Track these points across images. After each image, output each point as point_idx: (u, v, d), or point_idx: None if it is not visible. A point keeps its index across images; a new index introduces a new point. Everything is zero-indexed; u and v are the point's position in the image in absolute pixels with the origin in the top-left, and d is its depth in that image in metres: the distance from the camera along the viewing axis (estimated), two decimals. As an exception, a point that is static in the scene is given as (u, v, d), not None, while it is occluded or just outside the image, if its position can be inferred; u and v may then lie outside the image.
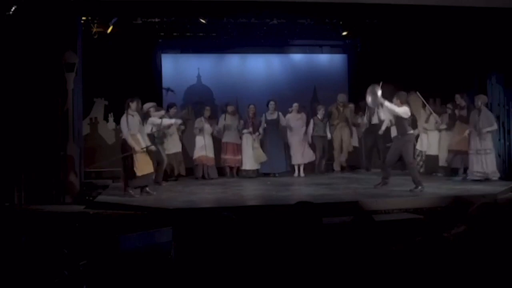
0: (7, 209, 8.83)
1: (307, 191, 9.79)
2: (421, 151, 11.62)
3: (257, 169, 11.80)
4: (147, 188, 9.33)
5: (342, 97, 12.38)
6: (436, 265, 3.33)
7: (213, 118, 11.94)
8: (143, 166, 9.13)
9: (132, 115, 9.18)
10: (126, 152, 9.10)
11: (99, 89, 12.05)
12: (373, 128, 11.91)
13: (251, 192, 9.89)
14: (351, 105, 12.44)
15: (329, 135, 12.08)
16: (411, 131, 9.34)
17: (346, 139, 12.27)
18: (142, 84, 11.69)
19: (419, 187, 9.06)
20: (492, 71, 10.94)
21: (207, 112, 11.79)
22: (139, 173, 9.05)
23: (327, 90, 13.45)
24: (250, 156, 11.68)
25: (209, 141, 11.59)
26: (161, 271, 3.79)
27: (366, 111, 11.88)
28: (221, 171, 11.94)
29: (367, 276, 3.25)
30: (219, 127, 11.81)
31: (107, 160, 10.59)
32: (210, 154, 11.59)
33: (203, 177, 11.53)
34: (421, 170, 11.26)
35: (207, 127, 11.61)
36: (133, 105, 9.21)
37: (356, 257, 3.29)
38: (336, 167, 12.36)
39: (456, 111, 10.85)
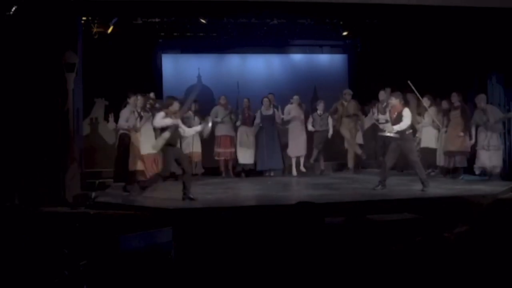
0: (7, 209, 8.83)
1: (307, 191, 9.79)
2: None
3: (254, 164, 11.76)
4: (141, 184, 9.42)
5: (347, 91, 12.25)
6: (437, 265, 3.33)
7: (201, 113, 11.63)
8: (136, 161, 9.21)
9: (133, 111, 9.28)
10: (123, 148, 9.13)
11: (99, 89, 12.05)
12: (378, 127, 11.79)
13: (251, 192, 9.89)
14: (355, 102, 12.31)
15: (330, 131, 11.99)
16: (410, 130, 9.35)
17: (352, 135, 12.08)
18: (142, 84, 11.67)
19: (426, 187, 9.07)
20: (492, 71, 10.94)
21: (194, 107, 11.51)
22: (130, 167, 9.13)
23: (327, 90, 13.44)
24: (245, 151, 11.63)
25: (196, 137, 11.24)
26: (161, 271, 3.79)
27: (371, 109, 11.83)
28: (216, 171, 11.89)
29: (368, 276, 3.25)
30: (215, 119, 11.50)
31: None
32: (198, 149, 11.41)
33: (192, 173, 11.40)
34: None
35: (195, 121, 11.28)
36: (131, 100, 9.29)
37: (357, 257, 3.29)
38: (350, 164, 12.18)
39: (452, 111, 10.83)
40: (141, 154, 9.59)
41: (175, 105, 8.57)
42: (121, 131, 9.44)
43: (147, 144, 9.56)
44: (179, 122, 8.58)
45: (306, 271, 3.19)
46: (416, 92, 10.69)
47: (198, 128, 9.30)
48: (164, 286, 3.62)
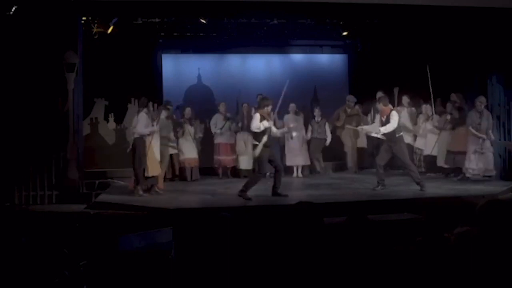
0: (7, 209, 8.84)
1: (307, 191, 9.79)
2: (419, 149, 11.55)
3: (253, 169, 11.70)
4: (156, 188, 9.47)
5: (351, 98, 12.28)
6: (437, 265, 3.33)
7: (195, 119, 11.62)
8: (154, 167, 9.23)
9: (147, 115, 9.35)
10: (138, 151, 9.15)
11: (99, 89, 12.05)
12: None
13: (251, 192, 9.86)
14: (357, 107, 12.32)
15: (329, 138, 12.00)
16: (401, 133, 9.37)
17: (354, 140, 12.09)
18: (142, 84, 11.67)
19: (423, 186, 9.09)
20: (493, 72, 10.93)
21: (187, 113, 11.45)
22: (149, 173, 9.20)
23: (327, 90, 13.44)
24: (245, 156, 11.57)
25: (192, 143, 11.30)
26: (161, 271, 3.79)
27: (373, 111, 11.83)
28: (213, 171, 11.84)
29: (369, 277, 3.25)
30: (214, 130, 11.62)
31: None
32: (195, 155, 11.35)
33: (187, 179, 11.30)
34: (422, 170, 11.22)
35: (189, 128, 11.29)
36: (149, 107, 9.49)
37: (357, 257, 3.29)
38: (350, 165, 12.20)
39: (454, 112, 10.81)
40: (158, 160, 9.61)
41: (270, 106, 8.80)
42: (136, 136, 9.35)
43: (157, 149, 9.66)
44: (271, 124, 8.82)
45: (306, 271, 3.19)
46: (430, 84, 10.61)
47: (284, 130, 9.70)
48: (164, 286, 3.62)
